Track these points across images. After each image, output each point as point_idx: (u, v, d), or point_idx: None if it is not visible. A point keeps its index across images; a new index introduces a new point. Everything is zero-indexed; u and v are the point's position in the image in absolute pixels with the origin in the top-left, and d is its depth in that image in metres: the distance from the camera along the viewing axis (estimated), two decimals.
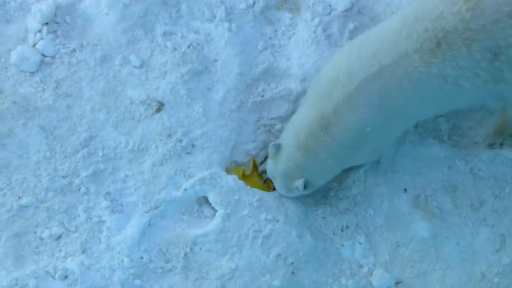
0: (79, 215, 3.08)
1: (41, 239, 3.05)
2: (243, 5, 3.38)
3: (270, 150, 3.00)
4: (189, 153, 3.18)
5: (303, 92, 3.35)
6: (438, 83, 2.53)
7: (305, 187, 2.96)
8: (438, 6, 2.47)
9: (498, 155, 3.20)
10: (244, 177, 3.29)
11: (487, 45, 2.41)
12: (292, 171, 2.97)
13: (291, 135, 2.96)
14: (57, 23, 3.27)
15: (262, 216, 3.09)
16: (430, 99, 2.63)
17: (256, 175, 3.36)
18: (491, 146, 3.24)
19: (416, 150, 3.24)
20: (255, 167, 3.34)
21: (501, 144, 3.22)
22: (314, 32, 3.37)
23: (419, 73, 2.53)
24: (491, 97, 2.65)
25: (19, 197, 3.07)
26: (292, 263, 3.07)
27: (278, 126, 3.36)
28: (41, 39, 3.22)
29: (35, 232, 3.05)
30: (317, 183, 3.05)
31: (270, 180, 3.25)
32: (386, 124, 2.75)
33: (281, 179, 3.05)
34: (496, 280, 3.06)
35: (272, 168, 3.09)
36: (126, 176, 3.13)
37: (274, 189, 3.26)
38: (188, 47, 3.30)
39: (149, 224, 3.08)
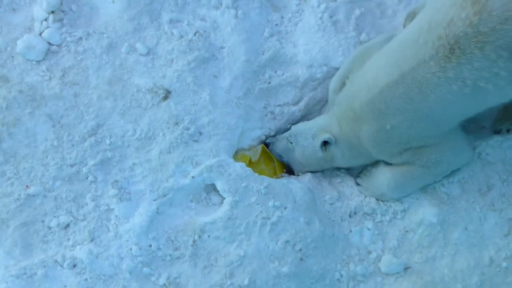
0: (87, 204, 3.07)
1: (49, 228, 3.04)
2: None
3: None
4: (196, 141, 3.17)
5: (310, 79, 3.34)
6: (458, 86, 2.58)
7: (324, 144, 3.15)
8: (449, 13, 2.50)
9: (506, 139, 3.19)
10: (250, 164, 3.29)
11: (500, 45, 2.41)
12: (328, 128, 3.16)
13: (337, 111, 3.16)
14: (63, 12, 3.26)
15: (270, 203, 3.09)
16: (455, 102, 2.67)
17: (262, 162, 3.35)
18: (498, 131, 3.24)
19: None
20: (263, 152, 3.34)
21: (508, 130, 3.22)
22: (321, 18, 3.36)
23: (437, 78, 2.60)
24: None
25: (27, 186, 3.06)
26: (300, 250, 3.06)
27: (285, 113, 3.35)
28: (47, 27, 3.22)
29: (43, 221, 3.05)
30: (343, 161, 3.22)
31: (278, 164, 3.35)
32: (409, 125, 2.84)
33: (316, 124, 3.22)
34: (504, 264, 3.05)
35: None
36: (134, 164, 3.13)
37: (284, 170, 3.35)
38: (195, 34, 3.29)
39: (157, 212, 3.07)
